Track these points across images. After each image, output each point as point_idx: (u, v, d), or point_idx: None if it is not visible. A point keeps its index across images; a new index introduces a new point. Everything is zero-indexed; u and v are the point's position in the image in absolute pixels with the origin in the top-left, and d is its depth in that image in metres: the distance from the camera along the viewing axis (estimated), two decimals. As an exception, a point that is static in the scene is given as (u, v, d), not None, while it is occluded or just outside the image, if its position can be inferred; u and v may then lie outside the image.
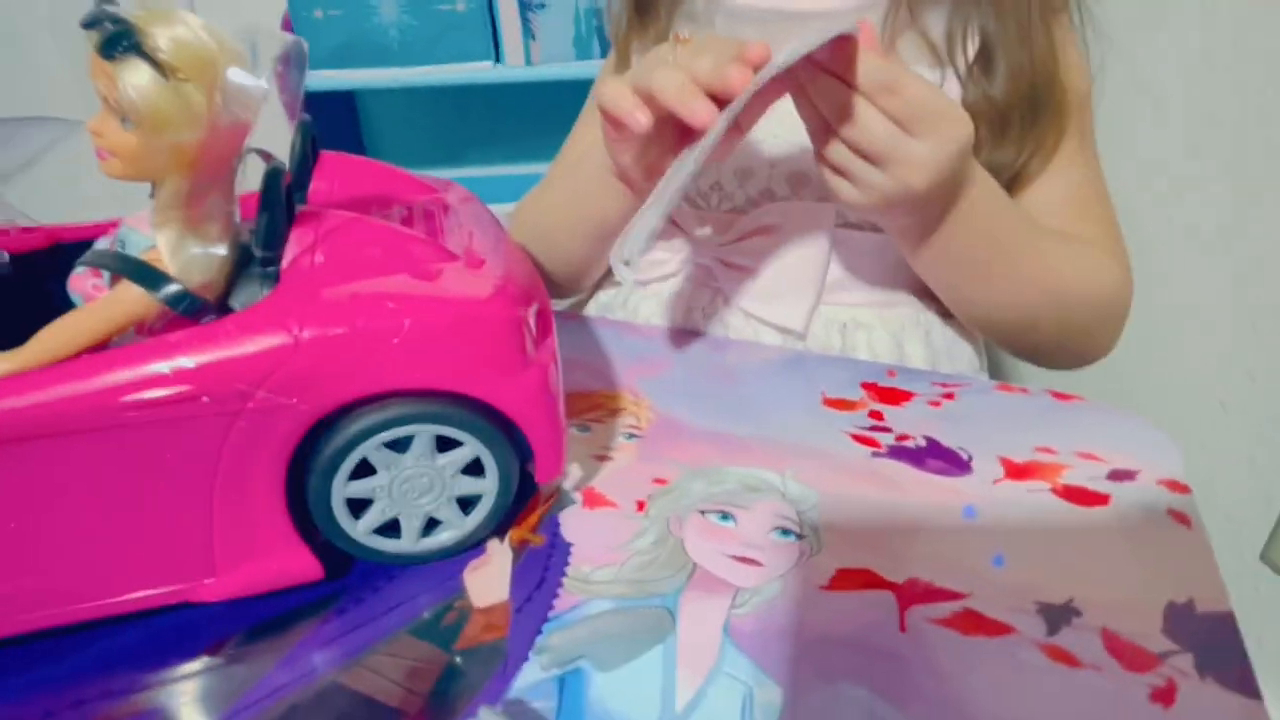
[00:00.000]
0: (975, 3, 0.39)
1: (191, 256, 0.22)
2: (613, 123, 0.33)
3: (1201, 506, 0.29)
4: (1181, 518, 0.29)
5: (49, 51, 1.03)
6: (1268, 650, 0.63)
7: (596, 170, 0.38)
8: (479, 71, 0.89)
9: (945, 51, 0.40)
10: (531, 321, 0.26)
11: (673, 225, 0.46)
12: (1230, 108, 0.62)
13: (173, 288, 0.21)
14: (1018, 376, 0.63)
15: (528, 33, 0.87)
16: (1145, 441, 0.33)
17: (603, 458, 0.33)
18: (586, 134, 0.50)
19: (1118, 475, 0.31)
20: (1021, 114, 0.39)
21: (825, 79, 0.31)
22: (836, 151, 0.33)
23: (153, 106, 0.19)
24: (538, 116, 1.01)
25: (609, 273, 0.50)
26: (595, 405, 0.37)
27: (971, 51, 0.39)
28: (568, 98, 0.69)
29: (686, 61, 0.30)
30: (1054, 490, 0.30)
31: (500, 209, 0.96)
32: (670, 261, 0.46)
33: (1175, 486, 0.30)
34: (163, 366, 0.21)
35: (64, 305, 0.23)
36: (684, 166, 0.29)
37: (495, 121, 1.12)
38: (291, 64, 0.22)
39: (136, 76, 0.19)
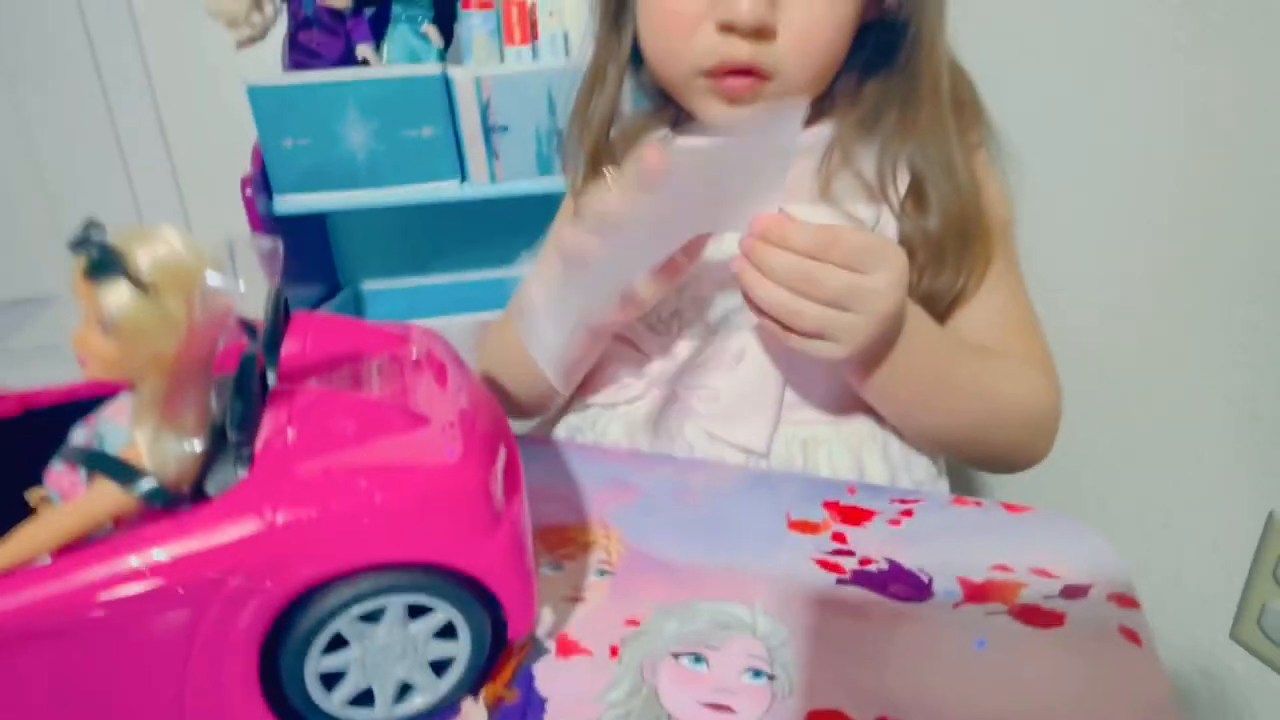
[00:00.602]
0: (901, 142, 0.43)
1: (168, 451, 0.23)
2: (570, 263, 0.36)
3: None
4: (1132, 635, 0.30)
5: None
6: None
7: None
8: (446, 191, 0.93)
9: (878, 189, 0.43)
10: (499, 479, 0.27)
11: (638, 351, 0.48)
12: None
13: (150, 484, 0.22)
14: (979, 479, 0.64)
15: (491, 154, 0.92)
16: (1094, 554, 0.34)
17: (575, 599, 0.33)
18: (548, 263, 0.52)
19: (1070, 592, 0.32)
20: (954, 243, 0.42)
21: (775, 254, 0.35)
22: (808, 318, 0.36)
23: (133, 322, 0.21)
24: (502, 226, 1.05)
25: (575, 395, 0.52)
26: (567, 540, 0.37)
27: (902, 188, 0.43)
28: (530, 209, 0.74)
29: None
30: (1011, 612, 0.31)
31: (472, 318, 0.98)
32: (636, 385, 0.48)
33: (1124, 601, 0.32)
34: (137, 561, 0.22)
35: (36, 470, 0.24)
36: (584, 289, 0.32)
37: (462, 232, 1.16)
38: (273, 261, 0.24)
39: (117, 295, 0.21)
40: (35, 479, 0.26)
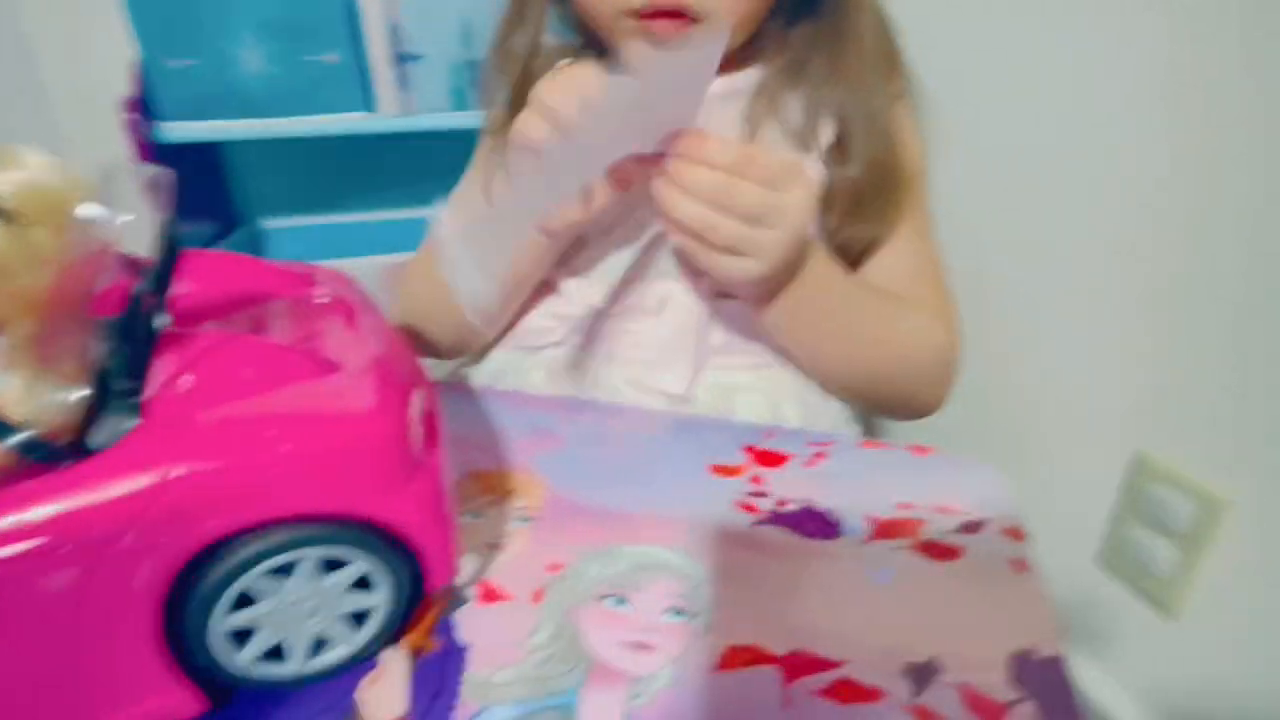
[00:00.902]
0: (827, 90, 0.43)
1: (44, 400, 0.21)
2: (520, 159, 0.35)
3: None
4: (1020, 565, 0.32)
5: None
6: (1107, 635, 0.71)
7: None
8: (352, 122, 0.87)
9: (804, 137, 0.43)
10: (416, 427, 0.27)
11: (559, 295, 0.47)
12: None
13: (25, 436, 0.20)
14: (887, 427, 0.68)
15: (402, 84, 0.86)
16: (990, 491, 0.37)
17: (496, 546, 0.33)
18: (471, 198, 0.50)
19: (968, 527, 0.34)
20: (873, 192, 0.43)
21: (695, 170, 0.34)
22: (724, 233, 0.36)
23: (4, 257, 0.18)
24: (415, 163, 1.00)
25: (497, 340, 0.51)
26: (488, 488, 0.37)
27: (826, 136, 0.43)
28: (445, 145, 0.70)
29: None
30: (914, 546, 0.33)
31: (383, 259, 0.94)
32: (558, 330, 0.47)
33: (1014, 534, 0.34)
34: (15, 520, 0.20)
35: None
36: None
37: (372, 167, 1.10)
38: (159, 191, 0.22)
39: (-26, 225, 0.18)
40: None
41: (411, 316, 0.49)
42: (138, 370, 0.23)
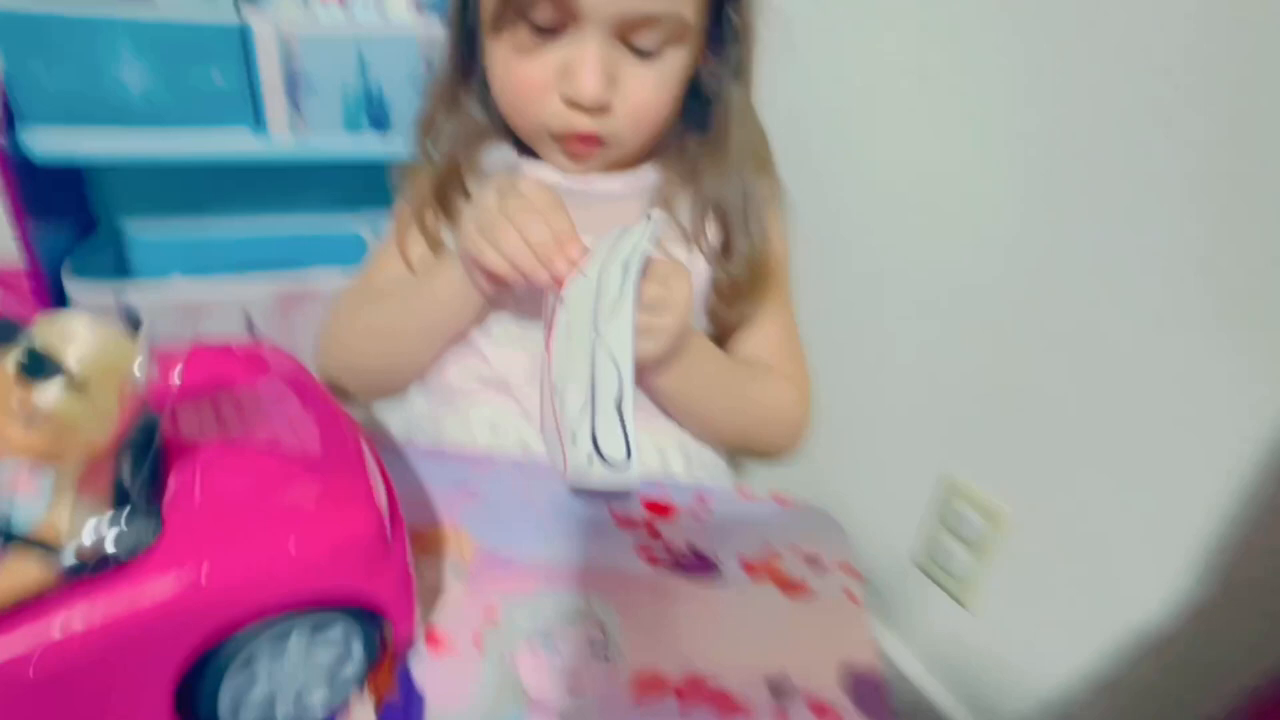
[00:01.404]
0: (712, 195, 0.52)
1: (84, 523, 0.24)
2: (498, 278, 0.43)
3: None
4: (853, 597, 0.42)
5: None
6: (919, 621, 0.86)
7: (451, 290, 0.48)
8: (239, 141, 0.86)
9: (693, 235, 0.51)
10: (387, 514, 0.32)
11: (480, 356, 0.53)
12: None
13: (71, 559, 0.24)
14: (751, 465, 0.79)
15: (294, 106, 0.86)
16: (833, 533, 0.47)
17: (435, 595, 0.39)
18: (392, 260, 0.55)
19: (816, 565, 0.44)
20: (749, 284, 0.52)
21: None
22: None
23: (68, 419, 0.22)
24: (297, 171, 0.99)
25: (414, 389, 0.55)
26: (424, 543, 0.42)
27: (712, 235, 0.52)
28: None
29: (522, 222, 0.41)
30: (776, 583, 0.43)
31: (270, 284, 0.93)
32: (476, 387, 0.53)
33: (850, 571, 0.44)
34: (59, 633, 0.24)
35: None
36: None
37: (248, 175, 1.06)
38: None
39: (51, 394, 0.22)
40: None
41: (336, 365, 0.53)
42: (157, 488, 0.26)
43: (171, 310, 0.86)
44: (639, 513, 0.47)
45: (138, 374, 0.24)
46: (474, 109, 0.52)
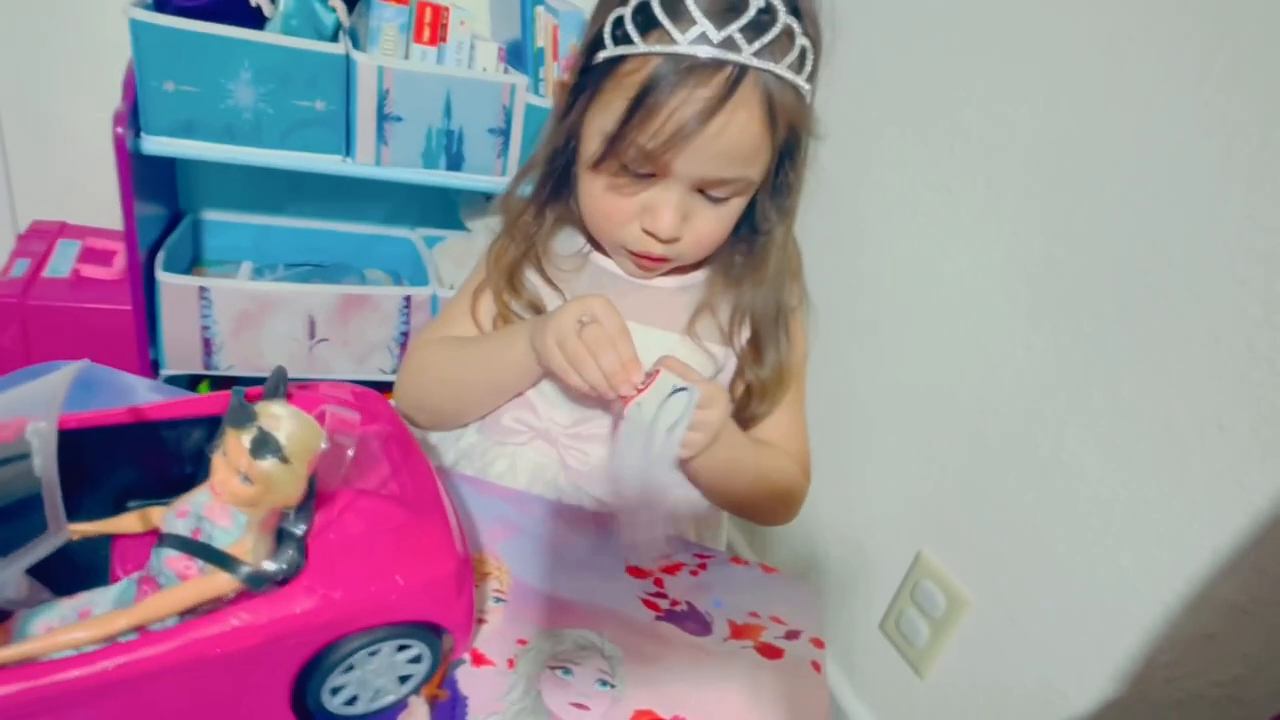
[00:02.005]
0: (749, 301, 0.60)
1: (262, 548, 0.33)
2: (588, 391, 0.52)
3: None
4: (817, 666, 0.51)
5: None
6: (870, 679, 0.94)
7: (520, 364, 0.57)
8: (329, 163, 0.95)
9: (728, 335, 0.60)
10: (468, 551, 0.40)
11: (533, 406, 0.61)
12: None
13: (249, 571, 0.33)
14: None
15: (381, 138, 0.95)
16: (808, 607, 0.55)
17: (480, 620, 0.47)
18: (464, 317, 0.64)
19: (791, 635, 0.53)
20: (773, 383, 0.61)
21: None
22: None
23: (277, 483, 0.31)
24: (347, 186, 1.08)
25: (473, 425, 0.64)
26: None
27: (745, 336, 0.60)
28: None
29: (598, 350, 0.50)
30: (756, 647, 0.51)
31: (333, 289, 1.02)
32: (525, 433, 0.62)
33: (818, 643, 0.53)
34: (232, 622, 0.32)
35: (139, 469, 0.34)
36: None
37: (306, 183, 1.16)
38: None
39: (269, 465, 0.31)
40: (138, 478, 0.37)
41: (410, 403, 0.62)
42: (309, 525, 0.35)
43: (245, 303, 0.96)
44: (651, 566, 0.55)
45: (322, 448, 0.32)
46: (557, 209, 0.61)
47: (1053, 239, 0.75)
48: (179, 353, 0.96)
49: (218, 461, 0.32)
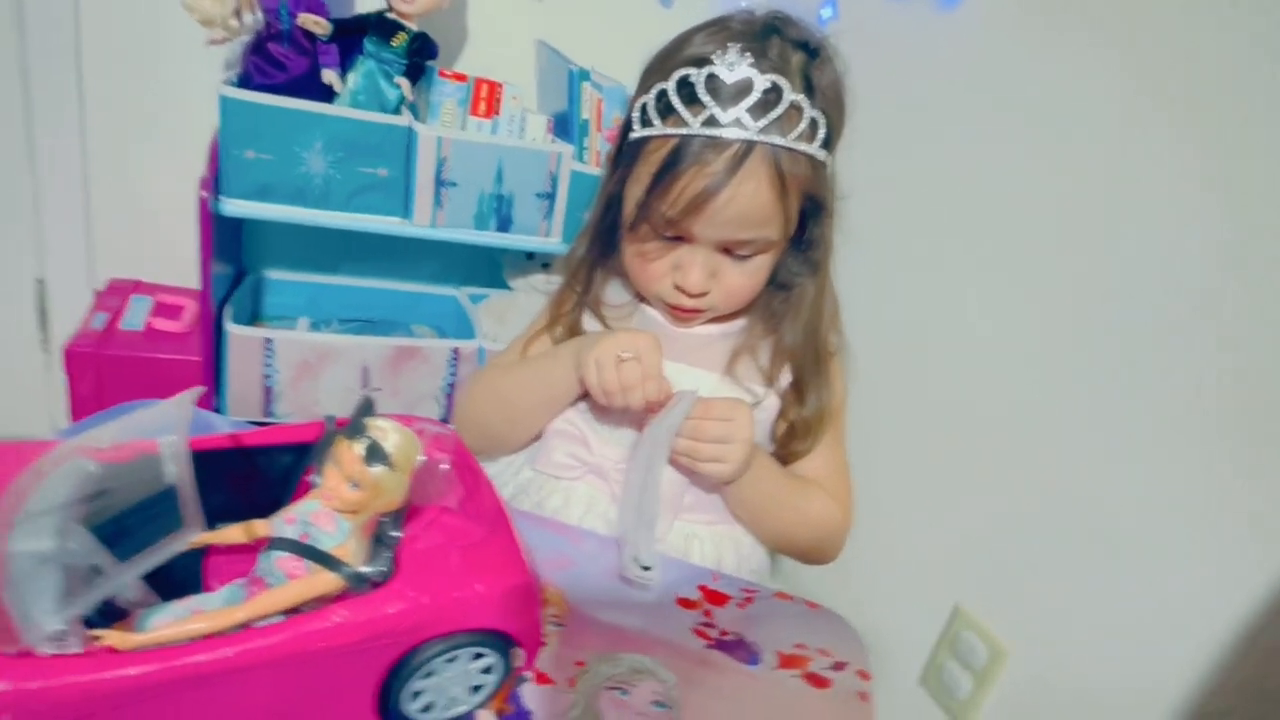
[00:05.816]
0: (789, 346, 0.64)
1: (361, 552, 0.36)
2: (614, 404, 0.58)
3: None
4: (864, 696, 0.52)
5: None
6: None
7: (565, 375, 0.62)
8: (389, 225, 1.02)
9: (769, 376, 0.64)
10: (536, 571, 0.43)
11: (585, 442, 0.65)
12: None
13: (351, 572, 0.36)
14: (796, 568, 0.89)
15: (437, 202, 1.02)
16: (853, 641, 0.57)
17: (541, 643, 0.50)
18: (542, 336, 0.70)
19: (837, 666, 0.54)
20: (814, 424, 0.64)
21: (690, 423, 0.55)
22: (703, 452, 0.56)
23: (384, 488, 0.35)
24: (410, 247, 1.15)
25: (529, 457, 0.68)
26: (529, 596, 0.53)
27: (786, 380, 0.64)
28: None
29: (629, 386, 0.56)
30: (803, 676, 0.53)
31: (387, 342, 1.08)
32: (577, 468, 0.65)
33: (863, 675, 0.54)
34: (334, 619, 0.35)
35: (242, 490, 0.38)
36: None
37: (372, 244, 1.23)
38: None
39: (378, 472, 0.34)
40: (227, 500, 0.39)
41: (465, 421, 0.68)
42: (401, 531, 0.39)
43: (306, 354, 1.02)
44: (697, 596, 0.57)
45: (420, 459, 0.36)
46: (607, 265, 0.67)
47: (1088, 289, 0.78)
48: (241, 401, 1.01)
49: (329, 470, 0.36)
